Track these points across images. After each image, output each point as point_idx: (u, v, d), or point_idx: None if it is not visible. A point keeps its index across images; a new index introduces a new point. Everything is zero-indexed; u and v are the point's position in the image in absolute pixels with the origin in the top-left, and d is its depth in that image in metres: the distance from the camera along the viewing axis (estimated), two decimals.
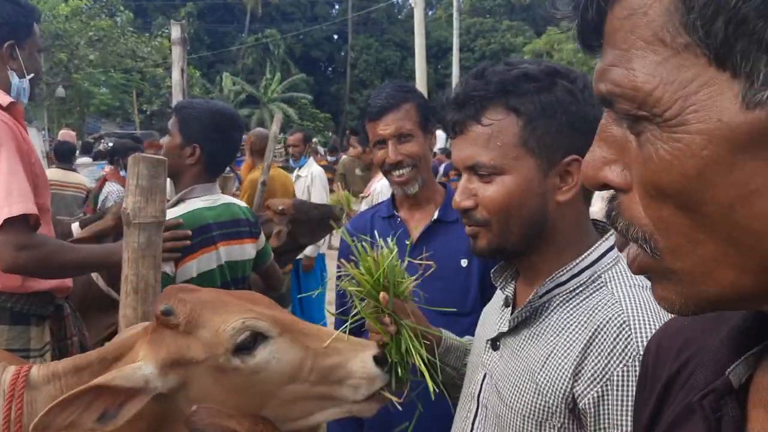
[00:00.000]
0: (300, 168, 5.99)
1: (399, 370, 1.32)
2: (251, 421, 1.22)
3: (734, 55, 0.44)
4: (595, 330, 1.08)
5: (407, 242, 1.61)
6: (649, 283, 0.56)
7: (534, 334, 1.19)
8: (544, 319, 1.19)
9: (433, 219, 2.01)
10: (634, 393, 0.88)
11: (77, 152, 8.81)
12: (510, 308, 1.30)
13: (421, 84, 13.47)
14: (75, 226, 3.05)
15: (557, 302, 1.19)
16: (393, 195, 2.18)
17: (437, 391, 1.30)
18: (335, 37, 51.85)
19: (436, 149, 8.74)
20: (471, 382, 1.35)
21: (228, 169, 2.78)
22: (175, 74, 3.43)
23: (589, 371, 1.06)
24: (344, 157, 9.29)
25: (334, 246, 8.13)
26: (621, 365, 1.03)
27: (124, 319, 1.67)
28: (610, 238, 1.20)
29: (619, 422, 1.01)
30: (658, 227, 0.51)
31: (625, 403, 1.01)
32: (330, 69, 53.18)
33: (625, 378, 1.02)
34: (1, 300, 2.09)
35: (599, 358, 1.06)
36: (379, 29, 49.24)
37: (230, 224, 2.34)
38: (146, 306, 1.65)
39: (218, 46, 44.38)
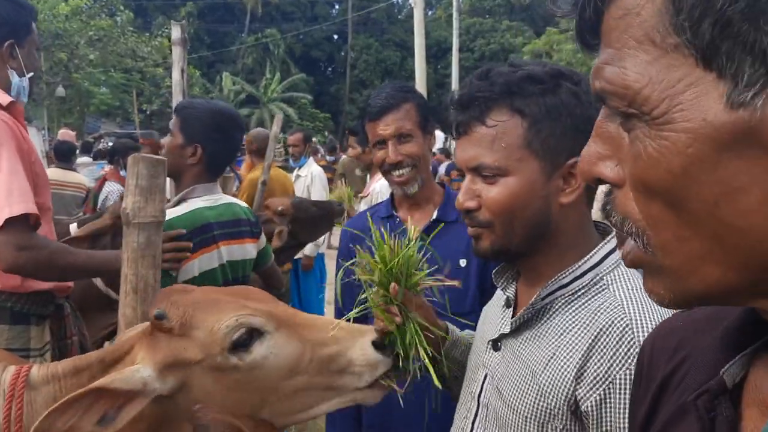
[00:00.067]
0: (300, 168, 6.00)
1: (401, 362, 1.33)
2: (254, 422, 1.23)
3: (720, 57, 0.45)
4: (598, 333, 1.09)
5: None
6: None
7: (536, 335, 1.20)
8: (546, 321, 1.19)
9: (432, 219, 2.02)
10: None
11: (77, 152, 8.79)
12: (511, 309, 1.30)
13: (420, 84, 13.47)
14: (73, 227, 3.05)
15: (559, 304, 1.19)
16: (392, 195, 2.18)
17: (439, 387, 1.29)
18: (335, 37, 51.84)
19: (435, 149, 8.75)
20: (471, 382, 1.35)
21: (228, 169, 2.78)
22: (176, 74, 3.42)
23: (592, 374, 1.07)
24: (344, 157, 9.29)
25: (333, 245, 8.14)
26: (623, 368, 1.03)
27: (123, 318, 1.67)
28: (612, 241, 1.20)
29: (621, 425, 1.02)
30: (649, 223, 0.52)
31: (627, 406, 1.01)
32: (330, 69, 53.16)
33: (628, 381, 1.02)
34: (1, 299, 2.09)
35: (602, 361, 1.06)
36: (379, 29, 49.22)
37: (231, 224, 2.35)
38: (145, 306, 1.65)
39: (218, 45, 44.36)
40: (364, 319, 1.44)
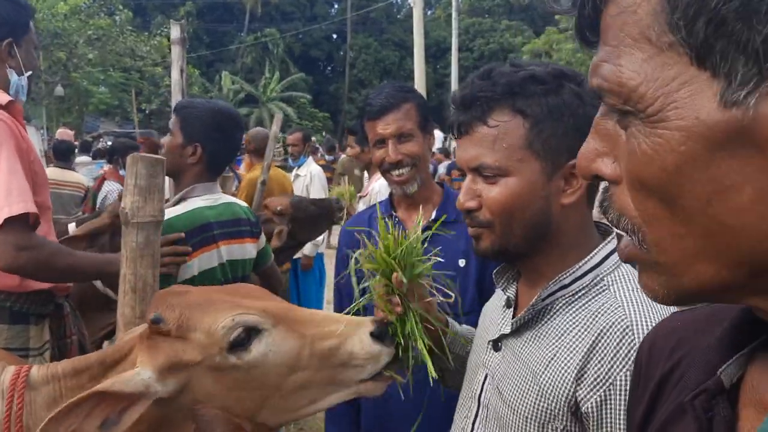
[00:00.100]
0: (299, 167, 6.00)
1: (399, 352, 1.33)
2: (253, 424, 1.23)
3: (714, 55, 0.45)
4: (599, 334, 1.09)
5: None
6: None
7: (536, 336, 1.20)
8: (546, 322, 1.19)
9: (431, 219, 2.02)
10: None
11: (76, 151, 8.78)
12: (512, 310, 1.30)
13: (419, 84, 13.47)
14: (71, 226, 3.05)
15: (560, 305, 1.19)
16: (391, 195, 2.18)
17: (434, 377, 1.29)
18: (334, 36, 51.83)
19: (434, 149, 8.74)
20: (472, 382, 1.35)
21: (227, 168, 2.78)
22: (175, 74, 3.42)
23: (592, 375, 1.07)
24: (343, 156, 9.29)
25: (332, 245, 8.14)
26: (624, 370, 1.03)
27: (122, 318, 1.67)
28: (613, 241, 1.20)
29: (621, 426, 1.02)
30: (644, 220, 0.53)
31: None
32: (329, 68, 53.17)
33: (628, 383, 1.01)
34: (0, 299, 2.09)
35: (602, 362, 1.06)
36: (378, 29, 49.23)
37: (231, 223, 2.35)
38: (144, 305, 1.65)
39: (217, 45, 44.35)
40: (364, 313, 1.44)
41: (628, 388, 1.02)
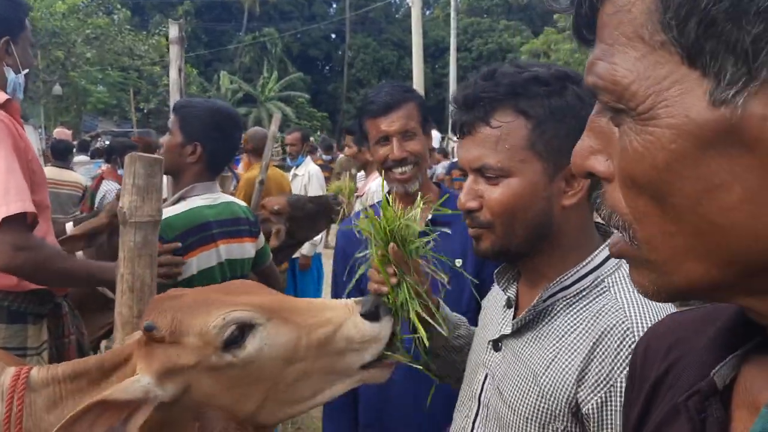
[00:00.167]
0: (297, 167, 6.00)
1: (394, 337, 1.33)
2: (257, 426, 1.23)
3: (704, 55, 0.46)
4: (600, 336, 1.09)
5: None
6: None
7: (537, 336, 1.20)
8: (547, 323, 1.20)
9: (428, 219, 2.02)
10: None
11: (74, 150, 8.77)
12: (512, 310, 1.30)
13: (418, 83, 13.48)
14: (69, 226, 3.04)
15: (561, 306, 1.19)
16: (387, 194, 2.18)
17: (427, 345, 1.31)
18: (333, 36, 51.78)
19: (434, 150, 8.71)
20: (472, 382, 1.35)
21: (225, 167, 2.78)
22: (173, 73, 3.42)
23: (593, 377, 1.07)
24: (341, 156, 9.29)
25: (330, 245, 8.14)
26: (625, 372, 1.03)
27: (119, 317, 1.68)
28: None
29: (622, 428, 1.02)
30: (635, 217, 0.53)
31: None
32: (327, 68, 53.13)
33: None
34: None
35: (603, 364, 1.07)
36: (377, 28, 49.20)
37: (230, 222, 2.36)
38: (142, 305, 1.66)
39: (216, 44, 44.29)
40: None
41: None
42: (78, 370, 1.31)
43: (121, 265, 1.70)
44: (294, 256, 4.93)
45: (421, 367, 1.43)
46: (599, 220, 1.30)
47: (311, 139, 7.95)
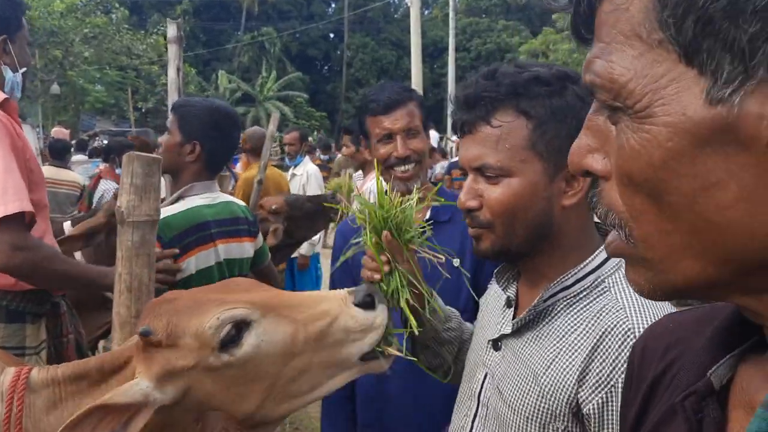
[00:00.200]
0: (296, 167, 6.00)
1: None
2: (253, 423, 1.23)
3: (701, 53, 0.46)
4: (600, 336, 1.09)
5: None
6: None
7: (537, 336, 1.20)
8: (547, 323, 1.20)
9: (425, 219, 2.02)
10: None
11: (72, 150, 8.76)
12: (512, 310, 1.30)
13: (416, 83, 13.46)
14: (67, 225, 3.04)
15: (561, 306, 1.19)
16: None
17: (417, 333, 1.31)
18: (331, 35, 51.76)
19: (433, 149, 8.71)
20: (471, 381, 1.35)
21: (224, 167, 2.78)
22: (171, 73, 3.42)
23: (594, 377, 1.07)
24: (339, 156, 9.29)
25: (328, 245, 8.14)
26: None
27: (117, 317, 1.67)
28: None
29: None
30: (632, 215, 0.53)
31: None
32: (326, 68, 53.11)
33: None
34: None
35: (604, 364, 1.07)
36: (376, 28, 49.21)
37: (229, 222, 2.36)
38: (140, 304, 1.65)
39: (214, 43, 44.27)
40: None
41: None
42: (78, 371, 1.30)
43: (118, 265, 1.70)
44: (292, 255, 4.93)
45: (415, 359, 1.43)
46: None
47: (309, 138, 7.94)
